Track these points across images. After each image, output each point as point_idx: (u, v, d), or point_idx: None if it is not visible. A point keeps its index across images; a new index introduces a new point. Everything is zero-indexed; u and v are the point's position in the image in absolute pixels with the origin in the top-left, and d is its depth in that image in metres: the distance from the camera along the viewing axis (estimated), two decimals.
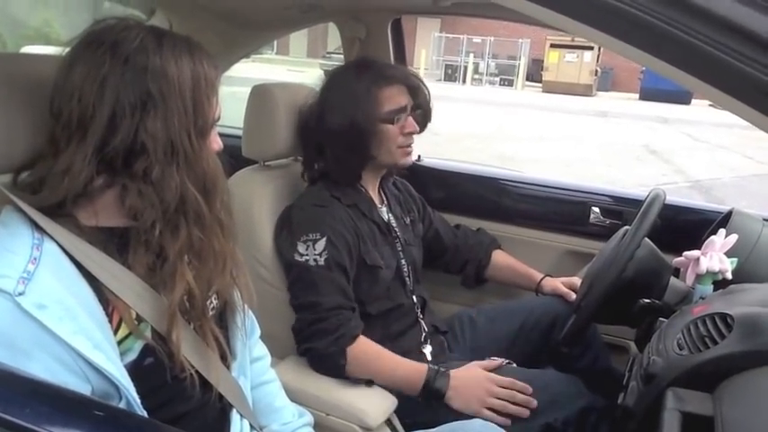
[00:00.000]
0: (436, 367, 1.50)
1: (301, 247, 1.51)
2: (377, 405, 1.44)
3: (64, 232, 0.86)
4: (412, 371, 1.50)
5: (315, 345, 1.47)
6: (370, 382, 1.48)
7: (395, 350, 1.54)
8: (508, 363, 1.61)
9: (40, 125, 0.88)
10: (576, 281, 1.82)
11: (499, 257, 1.99)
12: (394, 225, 1.73)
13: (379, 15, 2.12)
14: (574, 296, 1.77)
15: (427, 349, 1.69)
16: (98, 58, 0.85)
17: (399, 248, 1.71)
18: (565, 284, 1.85)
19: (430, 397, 1.47)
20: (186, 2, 1.87)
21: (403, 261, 1.71)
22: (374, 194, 1.73)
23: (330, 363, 1.47)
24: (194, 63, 0.91)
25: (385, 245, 1.67)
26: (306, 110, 1.68)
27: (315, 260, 1.50)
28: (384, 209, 1.74)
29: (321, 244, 1.51)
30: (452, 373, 1.49)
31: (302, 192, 1.68)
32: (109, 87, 0.85)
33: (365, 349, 1.49)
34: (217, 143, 0.99)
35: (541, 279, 1.90)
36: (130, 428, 0.71)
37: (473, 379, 1.49)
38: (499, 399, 1.45)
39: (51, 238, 0.84)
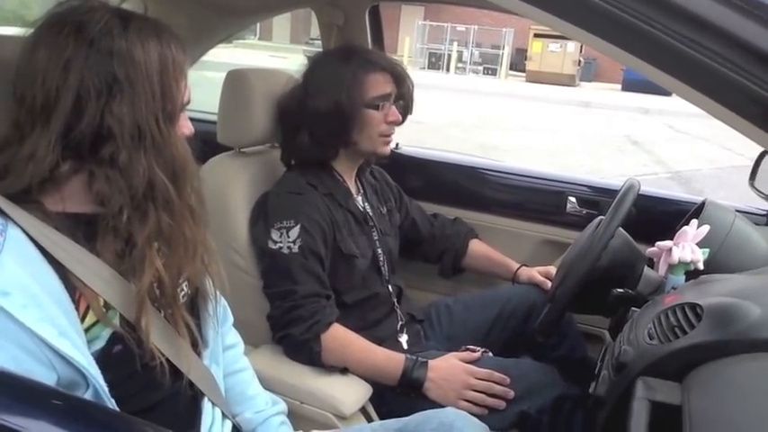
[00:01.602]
0: (414, 357, 1.50)
1: (275, 235, 1.50)
2: (352, 394, 1.44)
3: (30, 218, 0.84)
4: (389, 360, 1.50)
5: (290, 331, 1.46)
6: (345, 371, 1.48)
7: (371, 339, 1.54)
8: (485, 351, 1.62)
9: (3, 110, 0.86)
10: (552, 270, 1.83)
11: (476, 247, 1.99)
12: (370, 214, 1.73)
13: (357, 2, 2.11)
14: (549, 285, 1.78)
15: (403, 338, 1.69)
16: (61, 41, 0.84)
17: (376, 238, 1.71)
18: (541, 273, 1.86)
19: (407, 387, 1.47)
20: None
21: (379, 250, 1.70)
22: (351, 183, 1.72)
23: (305, 350, 1.46)
24: (162, 46, 0.90)
25: (361, 234, 1.66)
26: (287, 94, 1.67)
27: (288, 247, 1.49)
28: (360, 198, 1.74)
29: (295, 231, 1.50)
30: (430, 363, 1.50)
31: (279, 179, 1.67)
32: (73, 71, 0.83)
33: (340, 336, 1.49)
34: (187, 128, 0.98)
35: (518, 268, 1.91)
36: (90, 418, 0.70)
37: (451, 370, 1.49)
38: (477, 391, 1.46)
39: (16, 224, 0.82)
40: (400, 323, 1.71)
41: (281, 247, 1.49)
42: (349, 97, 1.56)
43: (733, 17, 0.63)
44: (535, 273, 1.87)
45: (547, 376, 1.55)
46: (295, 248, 1.49)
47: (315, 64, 1.67)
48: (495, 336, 1.77)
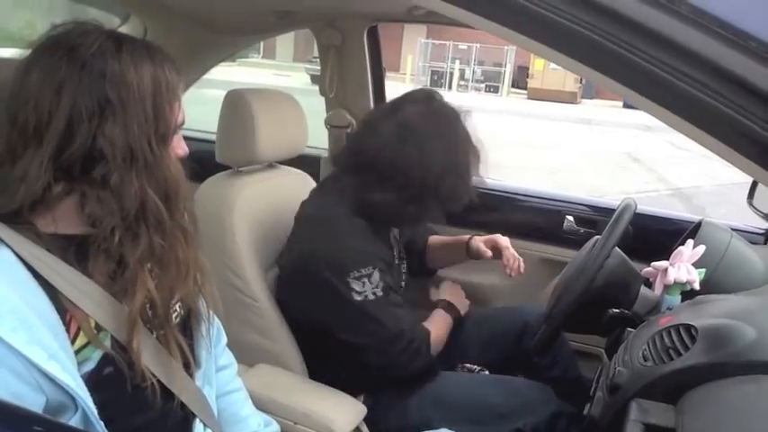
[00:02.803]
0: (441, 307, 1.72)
1: (357, 285, 1.43)
2: (346, 413, 1.44)
3: (21, 239, 0.84)
4: (443, 319, 1.69)
5: (417, 362, 1.51)
6: (337, 390, 1.48)
7: None
8: (481, 369, 1.62)
9: None
10: (499, 238, 1.80)
11: (432, 240, 1.97)
12: (401, 247, 1.74)
13: (355, 23, 2.12)
14: (490, 254, 1.77)
15: None
16: (54, 64, 0.84)
17: (404, 270, 1.73)
18: (486, 243, 1.80)
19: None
20: (161, 7, 1.86)
21: (403, 280, 1.72)
22: None
23: (429, 365, 1.55)
24: (155, 68, 0.90)
25: (394, 266, 1.65)
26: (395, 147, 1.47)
27: (374, 293, 1.44)
28: (396, 231, 1.73)
29: (376, 276, 1.44)
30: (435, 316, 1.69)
31: (323, 217, 1.52)
32: (65, 93, 0.83)
33: (432, 335, 1.57)
34: (182, 148, 0.98)
35: (469, 239, 1.86)
36: None
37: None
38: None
39: (7, 245, 0.82)
40: None
41: (366, 296, 1.43)
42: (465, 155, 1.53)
43: (722, 49, 0.64)
44: (481, 243, 1.81)
45: (542, 394, 1.55)
46: (380, 292, 1.44)
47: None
48: (488, 354, 1.77)
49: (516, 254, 1.75)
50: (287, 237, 1.60)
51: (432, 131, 1.47)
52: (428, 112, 1.50)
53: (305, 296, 1.51)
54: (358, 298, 1.42)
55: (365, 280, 1.43)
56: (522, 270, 1.73)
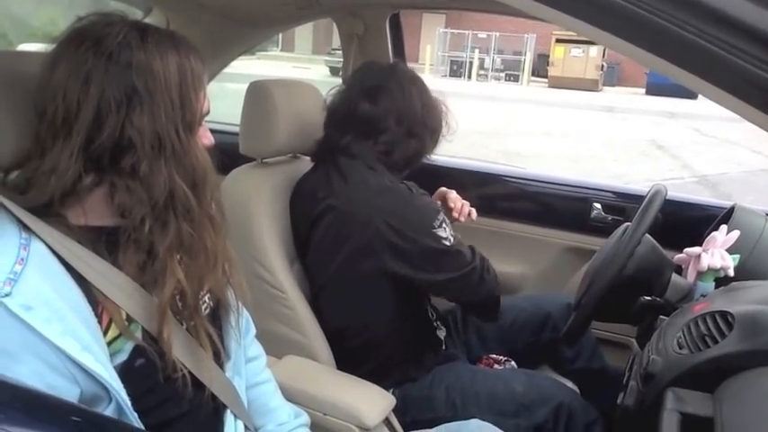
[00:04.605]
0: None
1: (442, 232, 1.49)
2: (375, 404, 1.43)
3: (52, 232, 0.84)
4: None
5: (491, 284, 1.56)
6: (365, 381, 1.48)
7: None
8: (506, 360, 1.60)
9: (26, 124, 0.87)
10: (442, 189, 1.86)
11: None
12: None
13: (377, 11, 2.11)
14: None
15: (441, 332, 1.71)
16: (81, 56, 0.84)
17: None
18: (434, 199, 1.81)
19: None
20: None
21: None
22: None
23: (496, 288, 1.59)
24: (180, 57, 0.90)
25: None
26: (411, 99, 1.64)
27: (453, 236, 1.51)
28: None
29: (447, 221, 1.53)
30: None
31: (378, 190, 1.53)
32: (93, 84, 0.84)
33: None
34: (208, 138, 0.98)
35: None
36: None
37: None
38: None
39: (39, 238, 0.83)
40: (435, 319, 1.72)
41: (453, 240, 1.51)
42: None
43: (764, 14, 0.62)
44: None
45: (562, 387, 1.55)
46: (455, 235, 1.53)
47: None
48: (510, 344, 1.76)
49: (461, 198, 1.83)
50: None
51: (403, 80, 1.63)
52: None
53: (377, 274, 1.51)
54: (449, 243, 1.49)
55: (444, 225, 1.50)
56: (473, 217, 1.81)
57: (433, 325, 1.69)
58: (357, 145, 1.56)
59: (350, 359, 1.58)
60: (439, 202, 1.75)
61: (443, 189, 1.84)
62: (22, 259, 0.80)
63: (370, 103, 1.57)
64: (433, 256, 1.48)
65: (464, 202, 1.81)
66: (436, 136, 1.66)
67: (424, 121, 1.60)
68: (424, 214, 1.50)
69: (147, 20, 2.02)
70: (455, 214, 1.78)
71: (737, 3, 0.62)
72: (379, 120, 1.56)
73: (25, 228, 0.83)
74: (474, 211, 1.82)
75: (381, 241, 1.46)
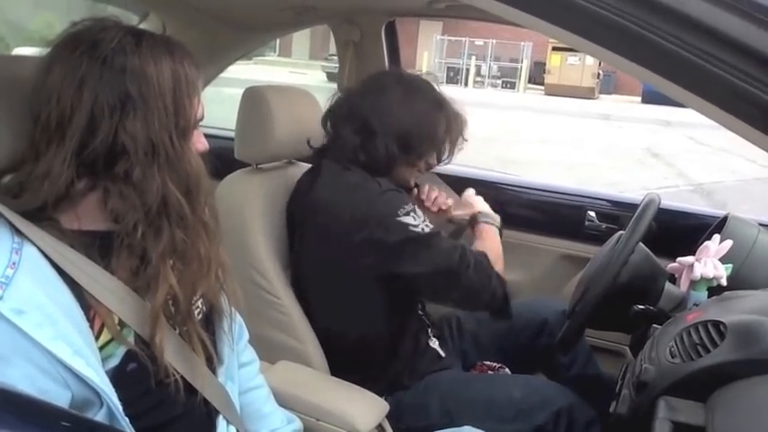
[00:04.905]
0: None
1: (408, 219, 1.45)
2: (368, 410, 1.43)
3: (45, 236, 0.84)
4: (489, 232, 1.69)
5: (494, 283, 1.52)
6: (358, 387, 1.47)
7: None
8: (500, 367, 1.60)
9: (21, 128, 0.87)
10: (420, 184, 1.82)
11: None
12: None
13: (373, 18, 2.12)
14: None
15: (435, 342, 1.69)
16: (75, 60, 0.84)
17: None
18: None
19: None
20: (179, 4, 1.86)
21: None
22: None
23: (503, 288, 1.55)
24: (174, 63, 0.90)
25: None
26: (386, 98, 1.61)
27: (428, 226, 1.47)
28: None
29: (419, 212, 1.49)
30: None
31: (350, 186, 1.52)
32: (87, 89, 0.84)
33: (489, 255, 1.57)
34: (202, 143, 0.98)
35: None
36: None
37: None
38: None
39: (31, 242, 0.83)
40: (428, 327, 1.71)
41: (423, 228, 1.45)
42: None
43: (750, 28, 0.62)
44: None
45: (561, 390, 1.54)
46: (430, 225, 1.48)
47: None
48: (506, 351, 1.76)
49: (436, 190, 1.80)
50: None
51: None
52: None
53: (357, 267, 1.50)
54: (416, 230, 1.44)
55: (413, 214, 1.46)
56: (444, 206, 1.77)
57: (427, 333, 1.68)
58: (336, 147, 1.58)
59: (342, 364, 1.57)
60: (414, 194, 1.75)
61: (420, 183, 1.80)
62: (14, 263, 0.79)
63: (349, 107, 1.58)
64: (405, 245, 1.44)
65: (439, 192, 1.78)
66: (416, 145, 1.61)
67: (401, 128, 1.56)
68: (390, 204, 1.47)
69: (144, 24, 2.02)
70: (427, 204, 1.75)
71: (723, 16, 0.63)
72: (359, 123, 1.56)
73: (18, 232, 0.83)
74: (449, 200, 1.78)
75: (354, 238, 1.45)
